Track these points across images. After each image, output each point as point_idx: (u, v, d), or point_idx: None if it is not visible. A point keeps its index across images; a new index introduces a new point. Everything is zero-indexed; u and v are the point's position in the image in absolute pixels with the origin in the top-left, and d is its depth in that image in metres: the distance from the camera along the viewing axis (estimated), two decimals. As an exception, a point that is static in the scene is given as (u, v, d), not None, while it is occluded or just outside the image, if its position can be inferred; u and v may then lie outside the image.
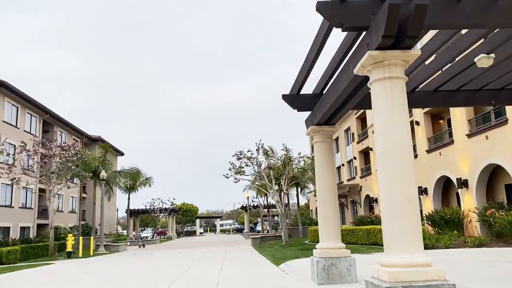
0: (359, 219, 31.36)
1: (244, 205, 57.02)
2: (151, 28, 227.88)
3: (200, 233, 79.14)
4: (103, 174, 25.81)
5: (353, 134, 38.53)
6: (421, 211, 20.53)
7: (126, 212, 55.44)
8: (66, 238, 23.88)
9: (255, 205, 54.46)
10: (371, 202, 33.63)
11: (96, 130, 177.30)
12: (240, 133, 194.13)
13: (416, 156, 25.41)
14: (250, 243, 28.82)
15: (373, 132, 33.63)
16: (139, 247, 33.33)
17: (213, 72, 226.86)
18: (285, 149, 24.07)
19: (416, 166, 28.98)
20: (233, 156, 23.93)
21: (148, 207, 51.03)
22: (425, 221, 21.86)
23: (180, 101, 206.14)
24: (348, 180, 40.20)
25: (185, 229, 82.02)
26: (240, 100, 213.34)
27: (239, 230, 76.62)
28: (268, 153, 23.79)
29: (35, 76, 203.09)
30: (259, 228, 62.83)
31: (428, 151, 24.78)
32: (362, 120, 37.41)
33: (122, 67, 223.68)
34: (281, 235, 33.48)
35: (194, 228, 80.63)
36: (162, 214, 51.64)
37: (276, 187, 25.21)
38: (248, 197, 49.40)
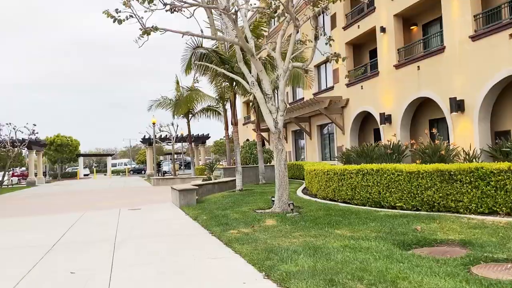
0: (355, 151, 16.81)
1: (147, 136, 40.30)
2: None
3: (85, 175, 60.77)
4: None
5: (334, 16, 23.68)
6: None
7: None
8: None
9: (164, 136, 38.11)
10: (380, 122, 19.69)
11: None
12: (141, 67, 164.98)
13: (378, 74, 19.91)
14: (173, 199, 13.42)
15: None
16: None
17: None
18: None
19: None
20: None
21: (-8, 137, 32.05)
22: None
23: (75, 30, 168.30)
24: (315, 95, 25.76)
25: (66, 171, 62.80)
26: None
27: (138, 171, 60.24)
28: None
29: None
30: (166, 168, 47.47)
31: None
32: (354, -10, 22.61)
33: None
34: (224, 181, 18.36)
35: (77, 169, 61.87)
36: (16, 148, 32.98)
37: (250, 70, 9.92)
38: (154, 123, 32.82)
